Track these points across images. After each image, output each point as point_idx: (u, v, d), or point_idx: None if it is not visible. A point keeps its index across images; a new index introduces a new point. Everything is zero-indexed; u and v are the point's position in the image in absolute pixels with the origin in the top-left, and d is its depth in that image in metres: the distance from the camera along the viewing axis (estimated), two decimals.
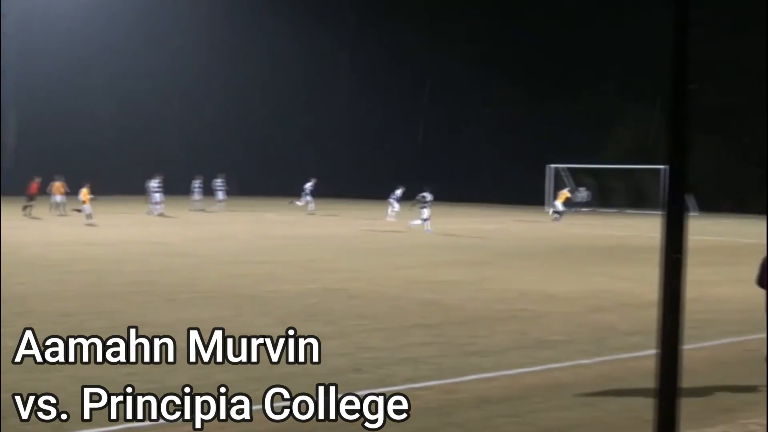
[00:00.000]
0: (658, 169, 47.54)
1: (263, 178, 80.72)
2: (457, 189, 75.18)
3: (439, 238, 35.35)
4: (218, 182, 55.51)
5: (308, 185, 52.14)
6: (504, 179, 76.22)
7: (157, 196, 48.27)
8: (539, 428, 9.71)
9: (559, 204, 51.41)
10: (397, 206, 46.40)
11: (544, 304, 18.30)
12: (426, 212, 38.71)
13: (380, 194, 65.63)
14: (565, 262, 27.31)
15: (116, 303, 17.20)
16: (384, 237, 35.64)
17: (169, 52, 79.00)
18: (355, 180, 79.69)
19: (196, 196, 55.17)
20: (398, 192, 47.12)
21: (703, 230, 41.25)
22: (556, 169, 66.57)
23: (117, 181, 64.39)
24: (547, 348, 13.88)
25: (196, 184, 55.61)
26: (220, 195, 55.48)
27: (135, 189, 54.68)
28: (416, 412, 10.12)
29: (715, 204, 59.45)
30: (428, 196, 39.27)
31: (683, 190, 6.93)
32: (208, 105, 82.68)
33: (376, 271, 23.62)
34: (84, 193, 40.49)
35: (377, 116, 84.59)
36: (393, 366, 12.30)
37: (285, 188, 67.15)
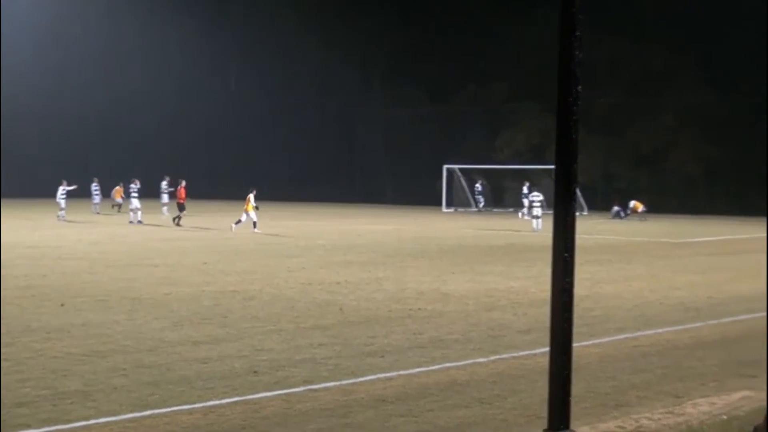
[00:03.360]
0: (550, 169, 48.19)
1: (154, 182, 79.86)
2: (353, 190, 75.54)
3: (333, 239, 35.37)
4: (132, 186, 54.37)
5: (134, 186, 49.85)
6: (400, 180, 76.74)
7: (63, 203, 47.48)
8: (436, 427, 9.81)
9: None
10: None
11: (440, 304, 18.45)
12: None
13: (276, 196, 65.69)
14: (459, 261, 27.55)
15: (8, 308, 16.80)
16: (277, 239, 35.50)
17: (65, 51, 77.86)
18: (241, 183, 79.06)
19: (95, 200, 54.44)
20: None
21: (593, 229, 42.08)
22: (450, 169, 67.16)
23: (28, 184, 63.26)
24: (444, 347, 14.00)
25: (94, 187, 54.76)
26: (135, 202, 54.21)
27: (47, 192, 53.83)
28: (314, 414, 10.15)
29: (605, 203, 60.65)
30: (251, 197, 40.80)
31: (572, 191, 7.08)
32: (95, 106, 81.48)
33: (271, 273, 23.52)
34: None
35: (272, 115, 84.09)
36: (290, 368, 12.29)
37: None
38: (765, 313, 17.98)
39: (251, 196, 39.83)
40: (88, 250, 29.15)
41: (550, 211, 7.35)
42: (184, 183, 46.60)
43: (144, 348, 13.42)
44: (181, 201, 45.33)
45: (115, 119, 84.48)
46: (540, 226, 41.11)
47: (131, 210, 47.04)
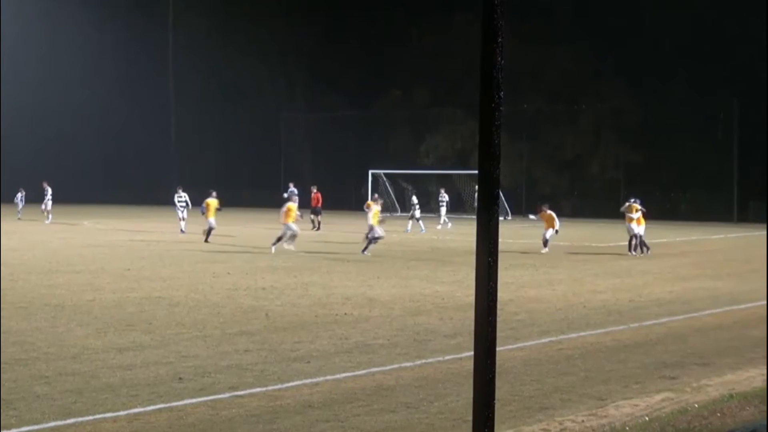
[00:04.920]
0: (474, 174, 48.68)
1: (79, 186, 78.91)
2: (280, 194, 75.16)
3: (258, 244, 35.21)
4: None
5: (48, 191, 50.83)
6: (325, 184, 76.63)
7: None
8: (363, 431, 9.84)
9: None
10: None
11: (366, 309, 18.49)
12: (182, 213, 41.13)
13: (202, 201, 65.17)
14: (384, 266, 27.62)
15: None
16: (202, 244, 35.26)
17: None
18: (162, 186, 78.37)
19: (19, 206, 53.91)
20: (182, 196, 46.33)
21: (517, 234, 42.49)
22: (375, 174, 67.24)
23: None
24: (369, 352, 14.04)
25: (19, 195, 54.36)
26: (49, 204, 53.58)
27: None
28: (240, 420, 10.11)
29: (528, 208, 61.21)
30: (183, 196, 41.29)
31: (495, 196, 7.15)
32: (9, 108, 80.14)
33: (196, 279, 23.36)
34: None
35: (196, 120, 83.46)
36: (216, 374, 12.23)
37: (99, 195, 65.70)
38: (683, 316, 18.40)
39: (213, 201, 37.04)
40: (7, 257, 28.65)
41: (473, 216, 7.44)
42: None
43: (67, 355, 13.25)
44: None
45: (48, 126, 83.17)
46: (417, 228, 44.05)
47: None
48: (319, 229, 44.64)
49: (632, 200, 34.21)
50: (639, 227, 33.08)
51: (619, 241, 36.45)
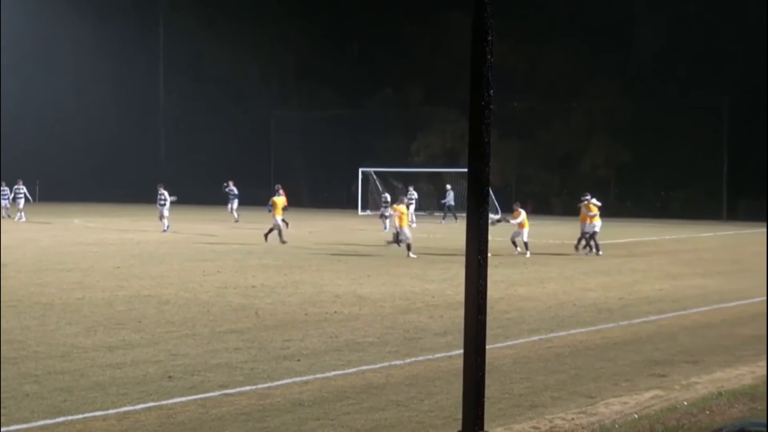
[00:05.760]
0: (465, 172, 48.78)
1: (69, 184, 78.81)
2: (270, 192, 75.19)
3: (248, 241, 35.18)
4: (19, 188, 53.49)
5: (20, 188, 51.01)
6: (316, 183, 76.70)
7: None
8: (352, 430, 9.84)
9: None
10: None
11: (356, 307, 18.48)
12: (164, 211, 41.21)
13: (192, 199, 65.12)
14: (375, 264, 27.62)
15: None
16: (190, 242, 35.21)
17: None
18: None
19: (4, 203, 53.56)
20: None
21: (507, 231, 42.46)
22: (366, 172, 67.25)
23: None
24: (360, 350, 14.04)
25: (3, 190, 53.97)
26: (21, 203, 53.52)
27: None
28: (230, 418, 10.11)
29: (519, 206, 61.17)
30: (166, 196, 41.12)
31: (485, 194, 7.16)
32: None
33: (186, 277, 23.32)
34: None
35: (187, 117, 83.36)
36: (206, 372, 12.21)
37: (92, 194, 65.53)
38: (672, 314, 18.44)
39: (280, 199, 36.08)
40: None
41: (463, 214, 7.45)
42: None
43: (56, 354, 13.22)
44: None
45: (39, 124, 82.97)
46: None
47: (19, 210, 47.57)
48: (287, 227, 43.13)
49: (587, 196, 33.01)
50: (597, 224, 32.09)
51: (608, 239, 36.48)
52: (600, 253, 31.64)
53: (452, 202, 54.47)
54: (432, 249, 33.85)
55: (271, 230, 35.00)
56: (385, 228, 43.64)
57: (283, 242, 34.27)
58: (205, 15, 79.76)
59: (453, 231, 43.28)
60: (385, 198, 46.30)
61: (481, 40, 7.08)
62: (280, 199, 36.07)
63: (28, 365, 12.39)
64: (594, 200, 32.75)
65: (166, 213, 41.91)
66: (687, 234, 44.88)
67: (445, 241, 37.46)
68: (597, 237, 32.19)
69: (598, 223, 32.24)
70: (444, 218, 54.03)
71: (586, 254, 31.79)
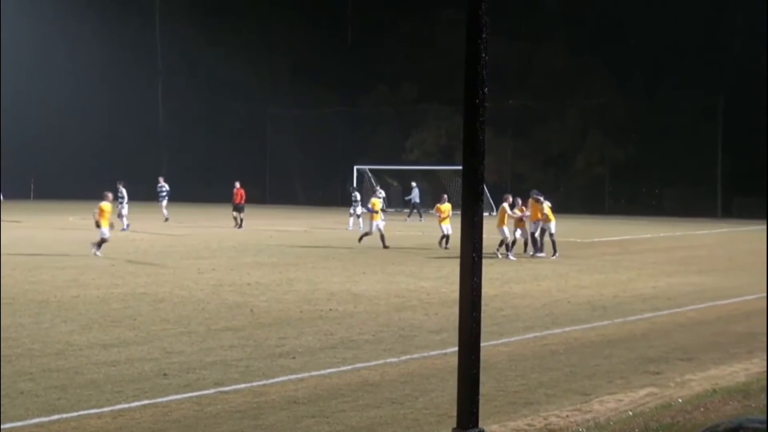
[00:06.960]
0: (460, 170, 48.76)
1: (64, 181, 78.73)
2: (264, 190, 75.23)
3: (244, 239, 35.18)
4: None
5: None
6: (311, 180, 76.64)
7: None
8: (348, 427, 9.85)
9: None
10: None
11: (351, 305, 18.49)
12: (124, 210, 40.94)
13: (187, 197, 65.11)
14: (369, 262, 27.62)
15: None
16: (185, 240, 35.20)
17: None
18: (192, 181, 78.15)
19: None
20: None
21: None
22: (360, 170, 67.17)
23: None
24: (355, 347, 14.05)
25: None
26: None
27: None
28: (225, 416, 10.11)
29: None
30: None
31: (480, 192, 7.18)
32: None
33: (181, 275, 23.32)
34: None
35: (182, 116, 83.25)
36: (201, 370, 12.22)
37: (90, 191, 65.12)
38: (667, 312, 18.47)
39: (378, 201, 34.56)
40: None
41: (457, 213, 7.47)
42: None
43: (51, 351, 13.22)
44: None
45: (35, 121, 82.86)
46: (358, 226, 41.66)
47: None
48: (241, 226, 42.01)
49: (535, 193, 31.13)
50: (551, 224, 30.27)
51: (603, 236, 36.55)
52: (541, 254, 29.73)
53: (417, 200, 54.06)
54: (427, 246, 33.80)
55: (381, 235, 32.69)
56: (350, 227, 42.82)
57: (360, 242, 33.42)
58: (201, 14, 79.67)
59: (414, 229, 43.38)
60: (355, 197, 45.18)
61: (476, 38, 7.10)
62: (378, 201, 34.47)
63: (23, 363, 12.39)
64: (541, 197, 30.74)
65: (125, 212, 41.34)
66: (681, 231, 44.91)
67: (403, 239, 37.36)
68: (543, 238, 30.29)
69: (550, 223, 30.29)
70: (409, 216, 53.69)
71: (531, 255, 29.81)
